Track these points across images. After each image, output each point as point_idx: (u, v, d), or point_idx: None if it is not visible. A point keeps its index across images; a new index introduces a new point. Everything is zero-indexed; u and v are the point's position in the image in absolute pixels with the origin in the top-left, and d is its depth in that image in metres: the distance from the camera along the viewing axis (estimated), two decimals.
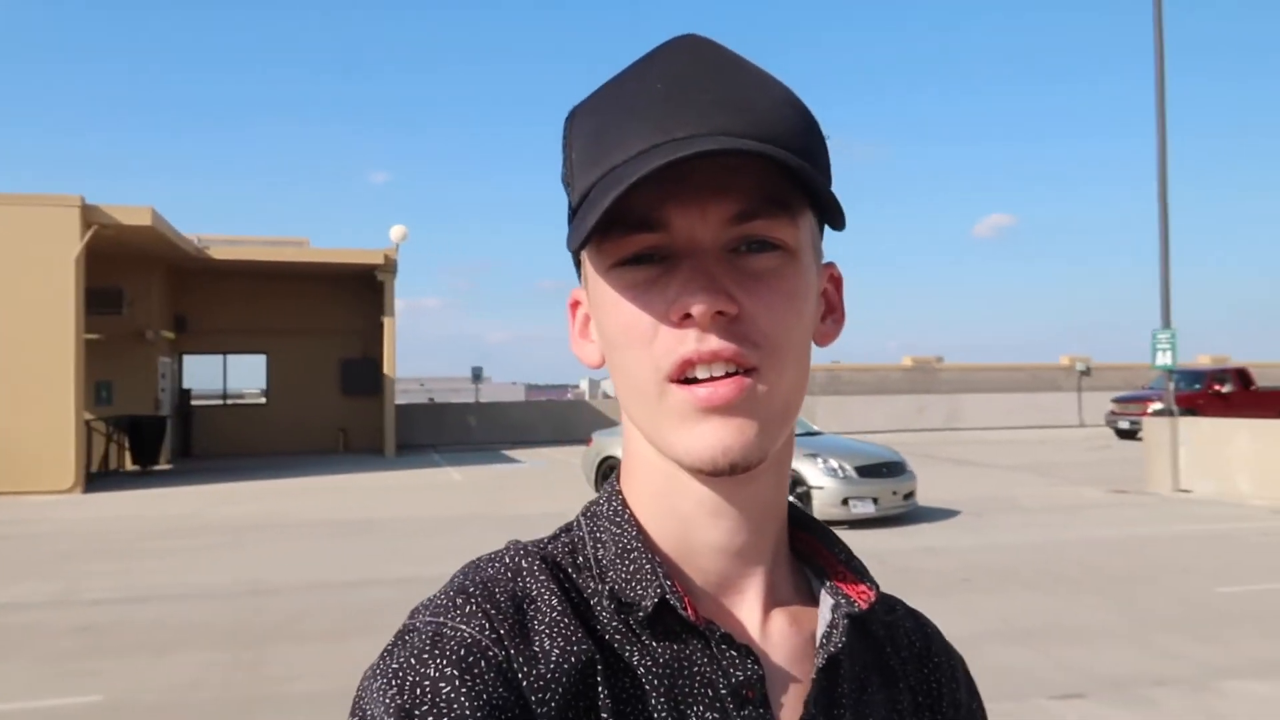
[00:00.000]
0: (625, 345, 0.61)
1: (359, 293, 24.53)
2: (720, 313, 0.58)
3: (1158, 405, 23.78)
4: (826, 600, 0.68)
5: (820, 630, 0.66)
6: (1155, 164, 15.13)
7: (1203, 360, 30.86)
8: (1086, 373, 31.73)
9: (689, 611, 0.61)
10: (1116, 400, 26.06)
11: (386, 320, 23.03)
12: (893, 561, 8.86)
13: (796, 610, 0.69)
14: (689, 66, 0.61)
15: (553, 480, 16.86)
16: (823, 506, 10.64)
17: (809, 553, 0.74)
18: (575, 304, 0.71)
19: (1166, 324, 15.10)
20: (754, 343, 0.59)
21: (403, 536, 10.75)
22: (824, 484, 10.67)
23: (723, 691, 0.61)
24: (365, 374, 24.68)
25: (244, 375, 26.65)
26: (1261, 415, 19.68)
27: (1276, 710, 4.88)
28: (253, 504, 14.05)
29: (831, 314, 0.70)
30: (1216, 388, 24.47)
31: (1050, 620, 6.71)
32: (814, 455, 10.93)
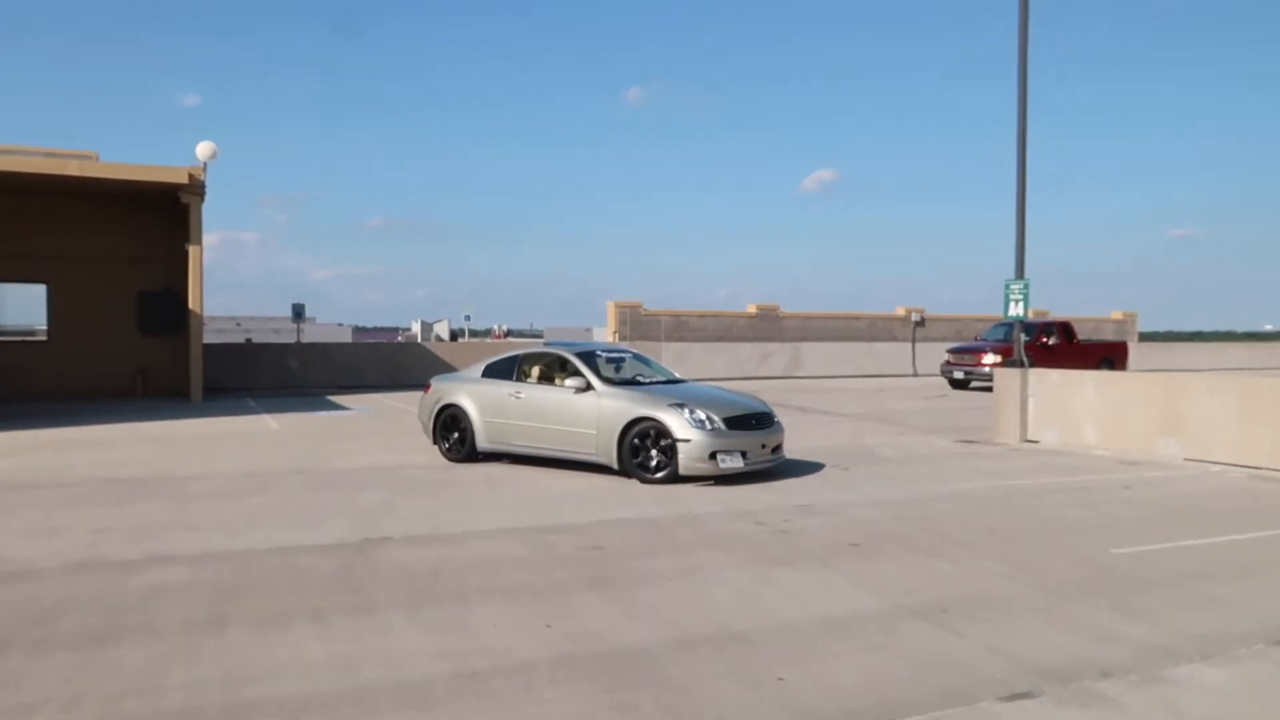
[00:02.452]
0: None
1: (160, 218, 21.78)
2: None
3: (992, 357, 24.42)
4: None
5: None
6: (1015, 116, 14.90)
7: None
8: (921, 323, 32.50)
9: None
10: (952, 350, 26.64)
11: (192, 249, 20.44)
12: (771, 522, 8.03)
13: None
14: None
15: (385, 429, 15.31)
16: (689, 461, 9.73)
17: None
18: None
19: (1020, 274, 15.02)
20: None
21: (203, 497, 9.09)
22: (691, 436, 9.74)
23: None
24: (167, 309, 22.01)
25: (20, 308, 23.37)
26: (1082, 367, 20.35)
27: (1238, 703, 4.27)
28: (21, 456, 11.88)
29: None
30: (1044, 340, 25.35)
31: (956, 591, 6.01)
32: (680, 405, 9.98)
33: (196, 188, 20.03)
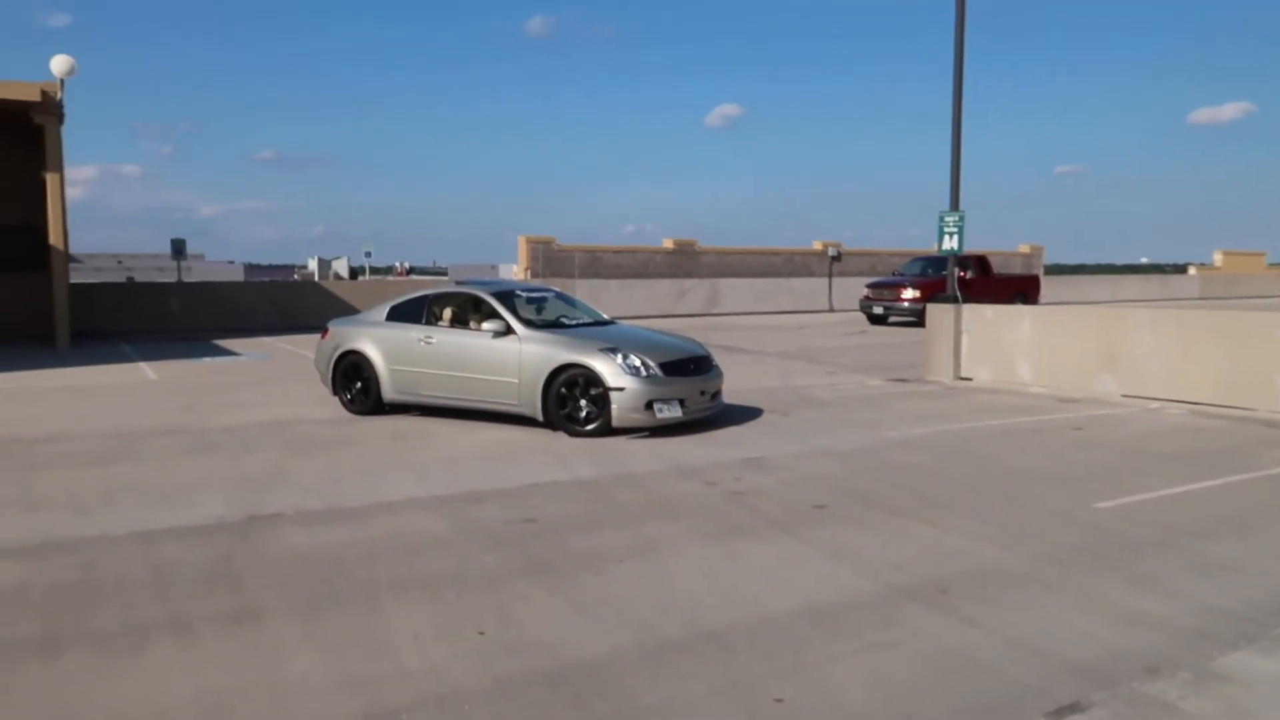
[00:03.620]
0: None
1: (15, 145, 19.44)
2: None
3: (911, 291, 24.07)
4: None
5: None
6: (952, 49, 14.16)
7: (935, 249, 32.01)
8: (838, 258, 32.06)
9: None
10: (870, 285, 26.23)
11: (50, 177, 18.25)
12: (722, 481, 7.17)
13: None
14: None
15: (280, 378, 13.92)
16: (623, 412, 8.79)
17: None
18: None
19: (955, 207, 14.40)
20: None
21: (53, 465, 7.75)
22: (625, 384, 8.78)
23: None
24: (23, 244, 19.80)
25: None
26: (999, 300, 20.13)
27: None
28: None
29: None
30: (961, 274, 25.09)
31: (948, 564, 5.26)
32: (611, 350, 8.99)
33: (52, 106, 17.80)
